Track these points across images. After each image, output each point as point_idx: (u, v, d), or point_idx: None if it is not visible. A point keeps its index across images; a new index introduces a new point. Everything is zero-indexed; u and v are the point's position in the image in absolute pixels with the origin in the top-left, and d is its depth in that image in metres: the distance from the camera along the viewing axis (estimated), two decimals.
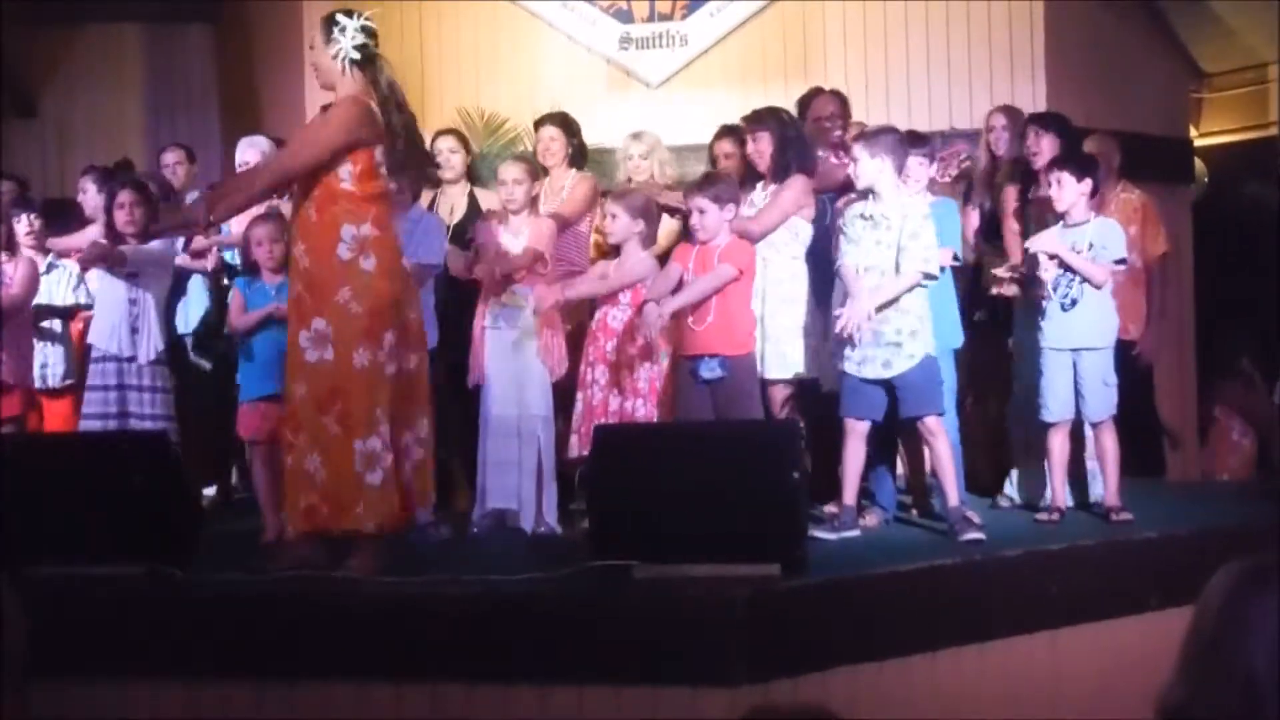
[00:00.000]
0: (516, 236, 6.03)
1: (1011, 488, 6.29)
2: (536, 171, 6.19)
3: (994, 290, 6.11)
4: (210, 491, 6.91)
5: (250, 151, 6.69)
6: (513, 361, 5.94)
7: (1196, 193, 8.97)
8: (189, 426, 6.30)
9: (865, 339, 5.45)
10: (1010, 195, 6.33)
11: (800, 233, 5.94)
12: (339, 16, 4.99)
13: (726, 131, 6.52)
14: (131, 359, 6.10)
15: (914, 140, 5.97)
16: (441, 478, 6.16)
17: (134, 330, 6.13)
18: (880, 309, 5.43)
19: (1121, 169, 6.82)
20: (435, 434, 5.19)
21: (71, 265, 6.90)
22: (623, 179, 6.64)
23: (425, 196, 6.34)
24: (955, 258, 5.98)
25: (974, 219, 6.53)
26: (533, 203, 6.10)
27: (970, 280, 6.41)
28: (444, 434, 6.13)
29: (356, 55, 4.96)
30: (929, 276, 5.52)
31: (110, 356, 6.12)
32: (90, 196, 6.94)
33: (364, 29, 4.99)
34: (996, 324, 6.43)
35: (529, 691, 4.46)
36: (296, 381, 4.92)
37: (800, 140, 6.07)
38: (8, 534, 4.78)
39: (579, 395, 5.88)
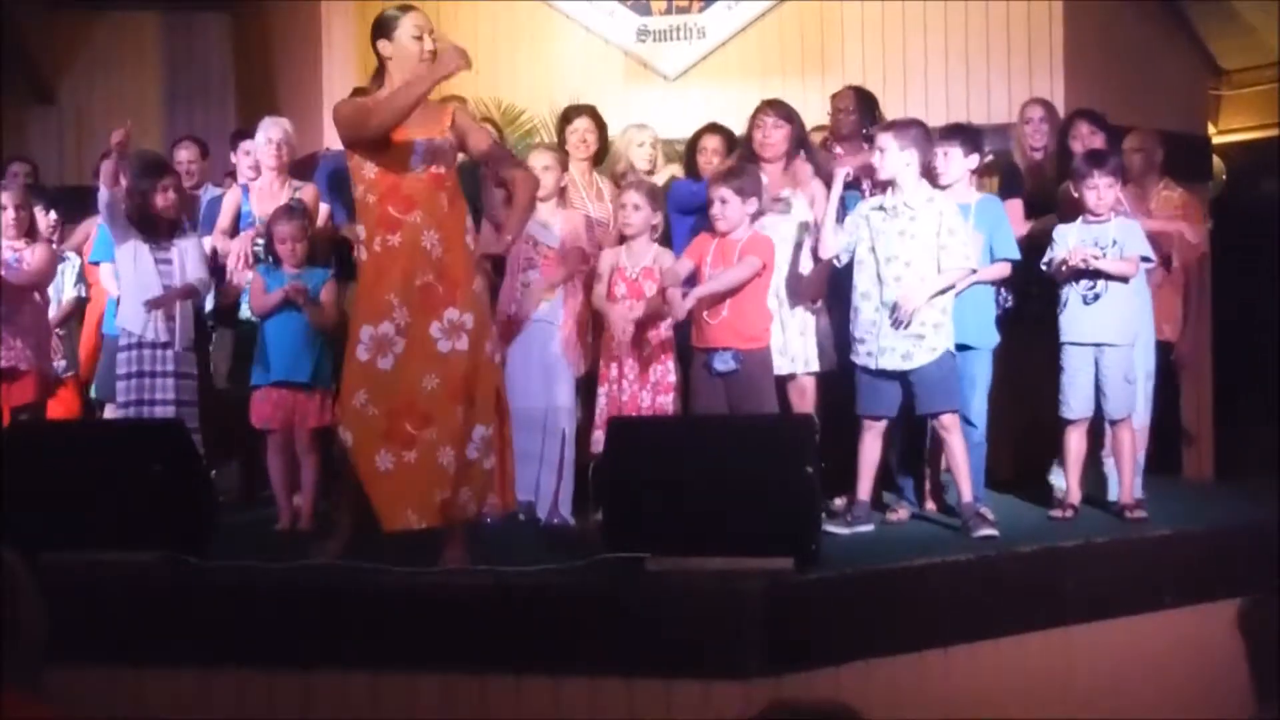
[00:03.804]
0: (545, 226, 6.02)
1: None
2: (565, 161, 6.19)
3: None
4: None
5: (275, 129, 6.68)
6: (539, 354, 5.94)
7: (1214, 190, 8.94)
8: (209, 413, 6.27)
9: (886, 330, 5.47)
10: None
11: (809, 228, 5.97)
12: None
13: (714, 129, 6.48)
14: (167, 345, 6.05)
15: (960, 133, 5.95)
16: None
17: (169, 317, 6.07)
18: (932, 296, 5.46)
19: (1163, 166, 6.79)
20: None
21: (76, 259, 6.90)
22: (637, 166, 6.61)
23: None
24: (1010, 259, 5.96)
25: (1017, 210, 6.41)
26: (560, 194, 6.10)
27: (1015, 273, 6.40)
28: None
29: None
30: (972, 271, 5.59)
31: (143, 343, 6.02)
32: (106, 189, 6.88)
33: None
34: (1025, 318, 6.40)
35: (541, 683, 4.47)
36: (426, 373, 4.84)
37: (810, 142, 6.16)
38: (25, 520, 4.79)
39: (601, 390, 5.87)
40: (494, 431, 4.96)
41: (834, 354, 5.91)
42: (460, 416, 4.84)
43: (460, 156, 6.09)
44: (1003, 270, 5.95)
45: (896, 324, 5.46)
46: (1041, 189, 6.50)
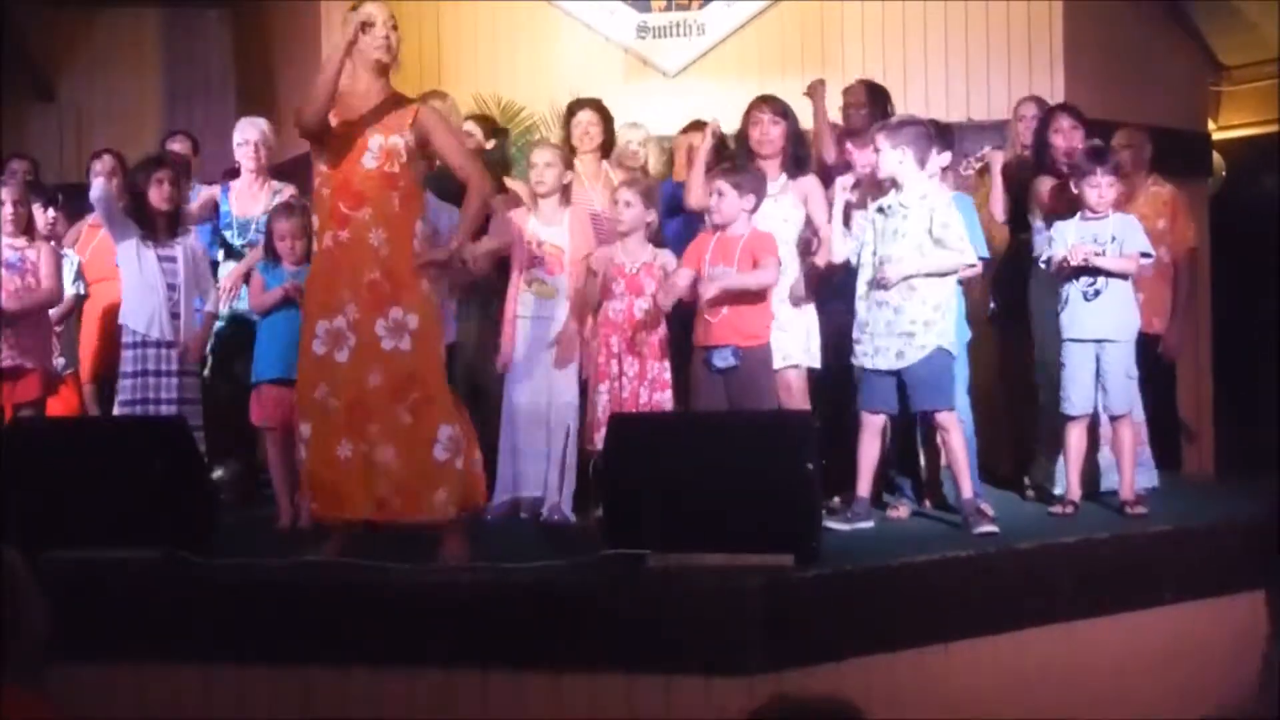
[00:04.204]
0: (549, 226, 6.01)
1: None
2: (568, 158, 6.18)
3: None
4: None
5: (250, 130, 6.69)
6: (545, 351, 5.94)
7: (1214, 186, 8.94)
8: (210, 411, 6.27)
9: (879, 329, 5.47)
10: (1045, 185, 6.28)
11: (793, 220, 5.96)
12: None
13: (699, 126, 6.48)
14: (171, 344, 6.05)
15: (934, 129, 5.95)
16: None
17: (174, 315, 6.08)
18: (907, 278, 5.45)
19: (1151, 162, 6.81)
20: None
21: (76, 256, 6.88)
22: (628, 165, 6.61)
23: None
24: (982, 258, 5.98)
25: (999, 209, 6.47)
26: (563, 190, 6.09)
27: (996, 271, 6.39)
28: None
29: None
30: (968, 266, 5.57)
31: (149, 342, 6.03)
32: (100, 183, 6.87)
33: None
34: (1012, 315, 6.42)
35: (541, 679, 4.47)
36: (372, 369, 4.90)
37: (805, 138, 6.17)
38: (27, 517, 4.79)
39: (601, 387, 5.86)
40: (460, 429, 4.98)
41: (820, 352, 5.90)
42: (402, 417, 4.88)
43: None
44: (973, 268, 5.92)
45: (875, 285, 5.48)
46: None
